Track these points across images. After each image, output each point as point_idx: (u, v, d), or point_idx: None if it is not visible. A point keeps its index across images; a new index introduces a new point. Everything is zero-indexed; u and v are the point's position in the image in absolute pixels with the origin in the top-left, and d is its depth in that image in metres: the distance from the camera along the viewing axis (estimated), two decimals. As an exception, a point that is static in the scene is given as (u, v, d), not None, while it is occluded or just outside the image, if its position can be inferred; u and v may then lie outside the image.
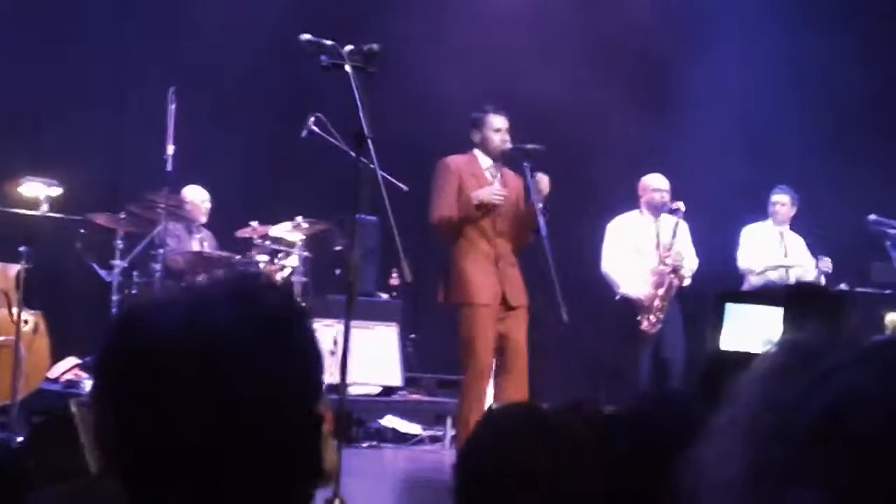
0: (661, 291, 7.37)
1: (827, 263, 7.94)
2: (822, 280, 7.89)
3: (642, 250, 7.52)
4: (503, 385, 6.16)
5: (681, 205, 7.46)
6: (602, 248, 7.67)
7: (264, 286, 1.28)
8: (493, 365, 6.21)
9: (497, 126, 6.34)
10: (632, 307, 7.40)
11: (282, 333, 1.22)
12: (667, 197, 7.53)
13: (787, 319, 2.00)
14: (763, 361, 0.86)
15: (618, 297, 7.49)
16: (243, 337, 1.19)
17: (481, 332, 6.12)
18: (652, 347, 7.39)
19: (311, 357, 1.26)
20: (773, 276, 8.02)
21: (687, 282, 7.53)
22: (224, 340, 1.18)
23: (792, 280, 7.87)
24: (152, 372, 1.18)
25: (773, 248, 8.15)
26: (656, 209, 7.56)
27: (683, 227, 7.69)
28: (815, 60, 8.88)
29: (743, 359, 0.91)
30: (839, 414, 0.79)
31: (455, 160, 6.37)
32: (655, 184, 7.61)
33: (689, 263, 7.63)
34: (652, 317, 7.35)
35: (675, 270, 7.42)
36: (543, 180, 6.16)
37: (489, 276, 6.22)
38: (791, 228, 8.26)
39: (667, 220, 7.55)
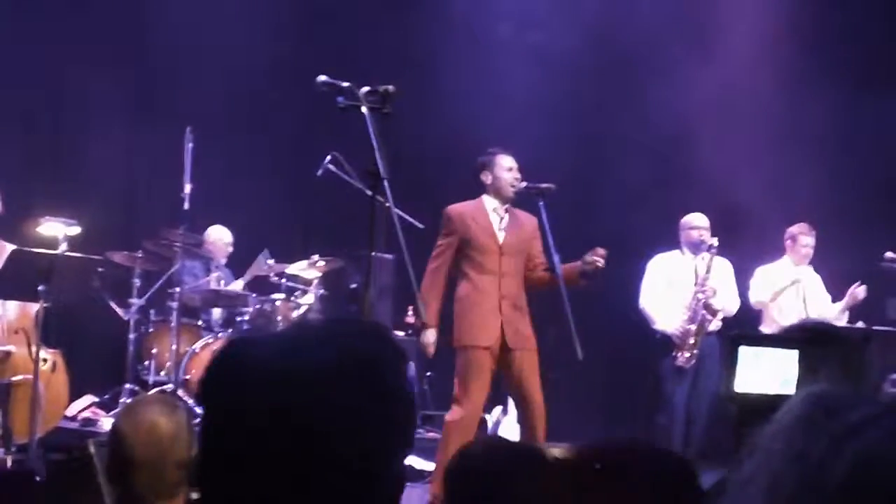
0: (693, 326, 7.41)
1: (860, 291, 7.87)
2: (846, 315, 7.87)
3: (679, 287, 7.55)
4: (527, 432, 6.18)
5: (714, 241, 7.48)
6: (640, 285, 7.75)
7: (361, 330, 1.30)
8: (484, 406, 6.38)
9: (508, 165, 6.37)
10: (668, 343, 7.46)
11: (372, 379, 1.23)
12: (705, 235, 7.57)
13: (803, 362, 2.00)
14: (785, 414, 0.86)
15: (658, 335, 7.53)
16: (332, 379, 1.20)
17: (476, 375, 6.13)
18: (689, 384, 7.41)
19: (401, 405, 1.26)
20: (792, 308, 7.93)
21: (720, 317, 7.55)
22: (313, 382, 1.20)
23: (812, 316, 7.80)
24: (239, 405, 1.21)
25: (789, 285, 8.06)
26: (695, 247, 7.60)
27: (724, 267, 7.72)
28: (829, 98, 8.88)
29: (758, 401, 0.92)
30: (867, 470, 0.79)
31: (457, 208, 6.39)
32: (694, 222, 7.68)
33: (727, 304, 7.65)
34: (686, 352, 7.40)
35: (707, 306, 7.44)
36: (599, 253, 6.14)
37: (489, 318, 6.19)
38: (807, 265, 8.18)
39: (706, 258, 7.55)
